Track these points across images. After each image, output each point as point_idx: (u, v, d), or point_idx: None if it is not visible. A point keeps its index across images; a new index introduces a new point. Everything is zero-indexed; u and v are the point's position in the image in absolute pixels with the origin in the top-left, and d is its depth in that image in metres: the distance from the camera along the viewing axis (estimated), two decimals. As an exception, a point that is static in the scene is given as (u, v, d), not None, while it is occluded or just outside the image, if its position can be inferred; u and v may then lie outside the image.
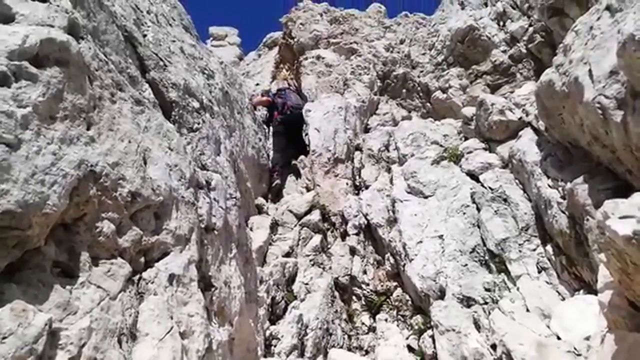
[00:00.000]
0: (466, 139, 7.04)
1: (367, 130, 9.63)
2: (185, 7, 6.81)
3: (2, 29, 2.13)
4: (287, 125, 8.59)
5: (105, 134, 2.57)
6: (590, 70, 3.41)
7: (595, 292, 2.96)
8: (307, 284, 5.49)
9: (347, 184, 7.42)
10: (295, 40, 11.85)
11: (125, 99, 3.00)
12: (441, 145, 7.26)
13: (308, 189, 7.52)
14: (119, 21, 3.74)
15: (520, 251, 4.72)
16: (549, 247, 4.56)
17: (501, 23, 9.87)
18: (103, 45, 3.24)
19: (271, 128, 8.95)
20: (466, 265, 4.95)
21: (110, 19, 3.54)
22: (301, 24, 12.15)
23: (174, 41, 4.95)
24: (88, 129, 2.44)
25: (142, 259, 2.61)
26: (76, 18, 2.70)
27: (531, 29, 9.01)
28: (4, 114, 1.89)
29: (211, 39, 19.45)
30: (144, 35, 4.16)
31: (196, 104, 4.41)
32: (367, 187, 7.32)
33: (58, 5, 2.53)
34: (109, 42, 3.35)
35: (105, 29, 3.38)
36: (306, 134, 8.61)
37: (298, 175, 8.04)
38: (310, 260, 5.88)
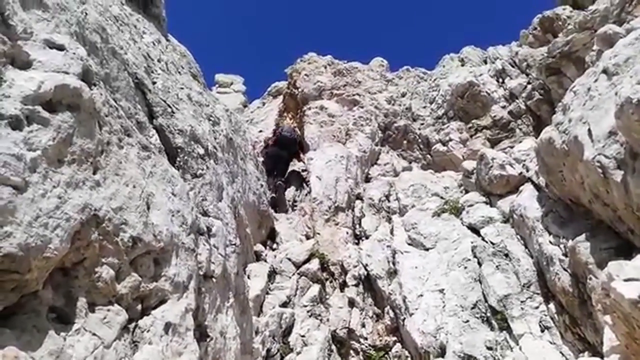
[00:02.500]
0: (466, 191, 7.08)
1: (368, 179, 9.69)
2: (193, 55, 7.03)
3: (20, 74, 2.19)
4: (280, 146, 9.27)
5: (110, 178, 2.59)
6: (589, 130, 3.48)
7: (601, 355, 2.89)
8: (303, 336, 5.34)
9: (347, 232, 7.38)
10: (300, 90, 12.14)
11: (133, 145, 3.05)
12: (442, 198, 7.28)
13: (308, 237, 7.47)
14: (131, 69, 3.86)
15: (522, 308, 4.63)
16: (551, 305, 4.48)
17: (500, 80, 10.18)
18: (114, 91, 3.33)
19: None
20: (467, 321, 4.84)
21: (122, 66, 3.66)
22: (306, 75, 12.49)
23: (182, 88, 5.08)
24: (94, 173, 2.46)
25: (139, 306, 2.57)
26: (90, 65, 2.78)
27: (530, 86, 9.28)
28: (14, 157, 1.90)
29: (217, 85, 19.94)
30: (154, 83, 4.28)
31: (201, 150, 4.46)
32: (367, 237, 7.28)
33: (74, 53, 2.62)
34: (119, 88, 3.45)
35: (117, 75, 3.49)
36: (304, 170, 8.84)
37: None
38: (308, 311, 5.75)
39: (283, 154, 9.35)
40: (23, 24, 2.32)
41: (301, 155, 9.74)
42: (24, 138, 2.00)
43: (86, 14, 3.27)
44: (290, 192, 9.20)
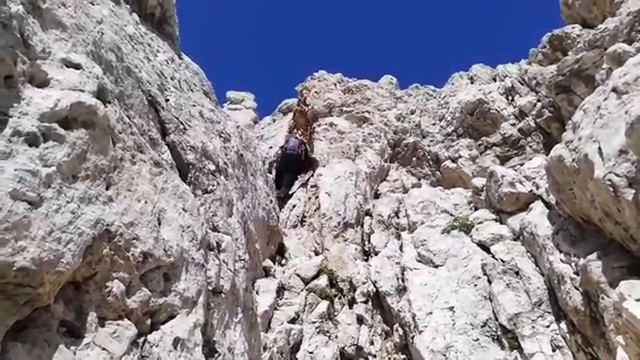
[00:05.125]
0: (476, 208, 7.04)
1: (377, 196, 9.70)
2: (205, 72, 7.15)
3: (37, 92, 2.25)
4: (284, 162, 9.85)
5: (123, 194, 2.63)
6: (599, 148, 3.47)
7: (614, 377, 2.84)
8: (311, 352, 5.30)
9: (356, 249, 7.37)
10: (310, 107, 12.26)
11: (145, 161, 3.10)
12: (451, 215, 7.25)
13: (316, 253, 7.46)
14: (144, 86, 3.94)
15: (533, 327, 4.57)
16: (563, 325, 4.42)
17: (510, 97, 10.19)
18: (128, 108, 3.40)
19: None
20: (477, 340, 4.78)
21: (136, 84, 3.73)
22: (316, 92, 12.61)
23: (194, 105, 5.15)
24: (107, 189, 2.50)
25: (149, 321, 2.58)
26: (105, 83, 2.85)
27: (539, 104, 9.28)
28: (30, 173, 1.95)
29: (228, 102, 20.17)
30: (167, 100, 4.35)
31: (212, 167, 4.51)
32: (376, 253, 7.25)
33: (90, 72, 2.68)
34: (133, 105, 3.51)
35: (131, 93, 3.56)
36: (314, 186, 9.08)
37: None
38: (316, 328, 5.72)
39: (287, 170, 9.86)
40: (42, 43, 2.39)
41: (310, 157, 10.27)
42: (40, 154, 2.05)
43: (102, 33, 3.36)
44: (299, 208, 9.23)
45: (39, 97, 2.20)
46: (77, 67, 2.57)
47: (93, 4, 3.67)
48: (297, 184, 10.17)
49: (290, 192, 9.82)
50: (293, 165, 9.94)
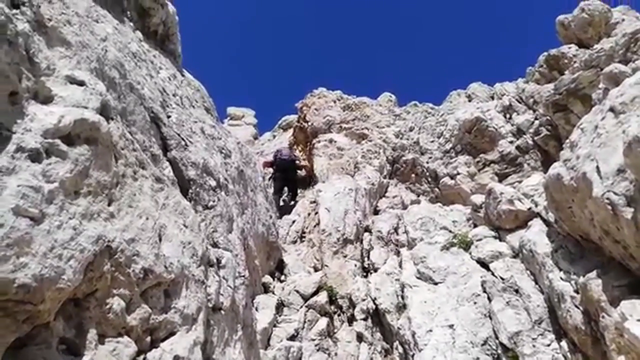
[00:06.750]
0: (475, 225, 7.04)
1: (376, 212, 9.69)
2: (207, 88, 7.20)
3: (41, 109, 2.27)
4: (279, 170, 10.45)
5: (124, 210, 2.63)
6: (597, 167, 3.49)
7: (616, 397, 2.82)
8: (311, 371, 5.25)
9: (355, 265, 7.34)
10: (309, 123, 12.33)
11: (147, 177, 3.11)
12: (450, 231, 7.24)
13: (316, 269, 7.42)
14: (147, 103, 3.96)
15: (534, 346, 4.54)
16: (564, 343, 4.39)
17: (507, 115, 10.27)
18: (130, 125, 3.42)
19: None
20: (478, 358, 4.74)
21: (138, 100, 3.76)
22: (315, 109, 12.70)
23: (195, 122, 5.19)
24: (109, 205, 2.50)
25: (149, 339, 2.56)
26: (108, 100, 2.87)
27: (537, 122, 9.35)
28: (32, 189, 1.95)
29: (229, 118, 20.28)
30: (169, 116, 4.38)
31: (213, 183, 4.52)
32: (375, 270, 7.23)
33: (94, 89, 2.71)
34: (135, 122, 3.54)
35: (134, 109, 3.58)
36: (314, 202, 9.14)
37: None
38: (316, 345, 5.67)
39: (285, 176, 10.43)
40: (47, 60, 2.42)
41: (303, 163, 11.05)
42: (43, 170, 2.05)
43: (106, 50, 3.40)
44: (299, 224, 9.21)
45: (43, 113, 2.22)
46: (80, 83, 2.60)
47: (97, 22, 3.72)
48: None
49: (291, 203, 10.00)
50: (288, 166, 10.45)
